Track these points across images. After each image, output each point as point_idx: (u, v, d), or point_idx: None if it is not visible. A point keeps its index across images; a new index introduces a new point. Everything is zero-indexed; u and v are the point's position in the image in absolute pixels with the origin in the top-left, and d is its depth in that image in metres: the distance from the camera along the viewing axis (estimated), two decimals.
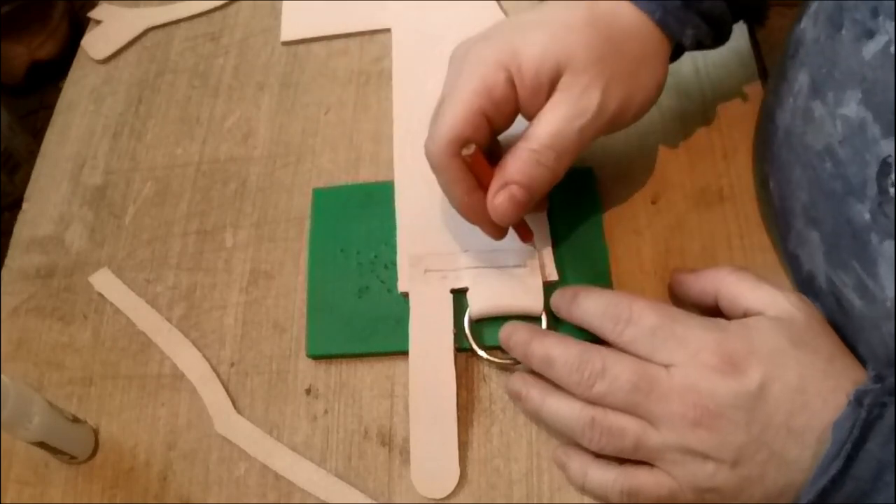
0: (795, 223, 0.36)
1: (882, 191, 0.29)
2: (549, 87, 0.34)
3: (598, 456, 0.34)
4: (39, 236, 0.48)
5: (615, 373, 0.32)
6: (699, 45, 0.38)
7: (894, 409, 0.28)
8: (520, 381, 0.36)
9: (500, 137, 0.38)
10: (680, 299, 0.38)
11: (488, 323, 0.39)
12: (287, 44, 0.52)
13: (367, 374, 0.40)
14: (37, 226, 0.48)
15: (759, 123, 0.43)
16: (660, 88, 0.37)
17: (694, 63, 0.47)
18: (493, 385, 0.39)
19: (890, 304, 0.30)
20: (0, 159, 0.53)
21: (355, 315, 0.41)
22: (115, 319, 0.44)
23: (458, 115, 0.34)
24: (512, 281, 0.39)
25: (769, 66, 0.46)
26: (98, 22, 0.57)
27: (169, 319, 0.43)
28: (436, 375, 0.38)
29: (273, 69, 0.52)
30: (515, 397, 0.37)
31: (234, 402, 0.40)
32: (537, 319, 0.39)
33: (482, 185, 0.36)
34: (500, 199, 0.34)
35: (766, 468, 0.30)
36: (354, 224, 0.43)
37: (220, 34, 0.54)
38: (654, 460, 0.32)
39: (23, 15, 0.58)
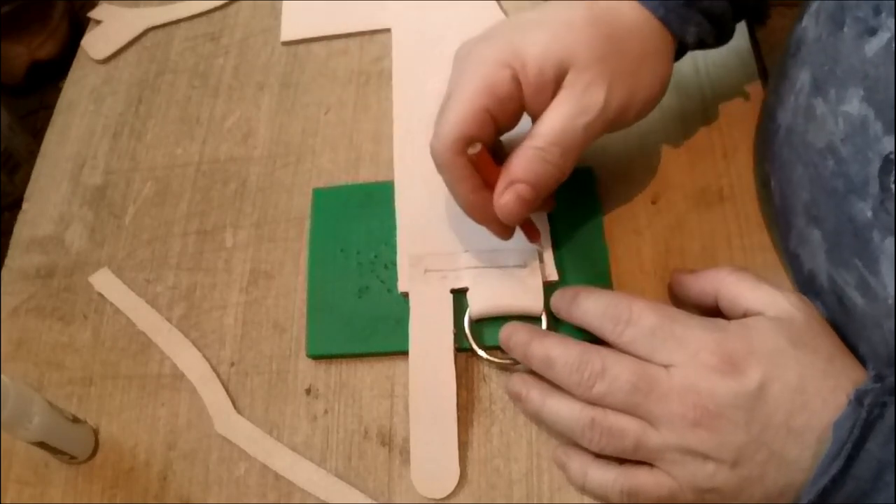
0: (797, 222, 0.36)
1: (884, 188, 0.29)
2: (554, 84, 0.34)
3: (599, 456, 0.34)
4: (39, 236, 0.48)
5: (615, 373, 0.32)
6: (701, 44, 0.38)
7: (894, 408, 0.28)
8: (520, 382, 0.36)
9: (503, 139, 0.38)
10: (680, 300, 0.38)
11: (488, 323, 0.39)
12: (287, 44, 0.52)
13: (367, 374, 0.40)
14: (37, 226, 0.48)
15: (759, 123, 0.43)
16: (664, 86, 0.37)
17: (694, 63, 0.47)
18: (493, 385, 0.39)
19: (891, 301, 0.30)
20: (0, 159, 0.53)
21: (355, 315, 0.41)
22: (115, 319, 0.44)
23: (463, 113, 0.34)
24: (512, 281, 0.39)
25: (769, 65, 0.46)
26: (98, 22, 0.57)
27: (169, 319, 0.43)
28: (436, 375, 0.38)
29: (273, 69, 0.52)
30: (515, 398, 0.37)
31: (234, 402, 0.40)
32: (537, 320, 0.39)
33: (488, 185, 0.36)
34: (506, 197, 0.34)
35: (766, 468, 0.30)
36: (354, 224, 0.43)
37: (220, 34, 0.54)
38: (654, 460, 0.32)
39: (23, 15, 0.58)
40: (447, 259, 0.41)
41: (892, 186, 0.29)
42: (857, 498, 0.28)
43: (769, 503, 0.30)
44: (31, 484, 0.40)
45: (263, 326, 0.42)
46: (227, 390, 0.41)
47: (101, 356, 0.43)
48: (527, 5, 0.51)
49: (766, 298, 0.33)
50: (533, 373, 0.36)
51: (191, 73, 0.53)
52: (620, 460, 0.33)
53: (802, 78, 0.35)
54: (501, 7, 0.50)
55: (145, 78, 0.53)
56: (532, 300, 0.39)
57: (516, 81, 0.34)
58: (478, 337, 0.39)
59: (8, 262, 0.47)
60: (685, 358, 0.32)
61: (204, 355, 0.42)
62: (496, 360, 0.38)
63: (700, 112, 0.45)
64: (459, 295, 0.40)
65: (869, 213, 0.30)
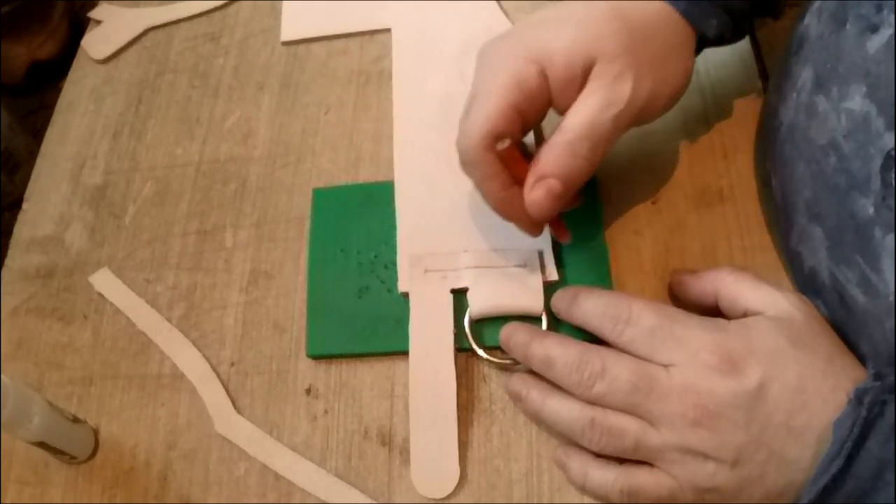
0: (798, 220, 0.36)
1: (886, 184, 0.29)
2: (582, 77, 0.34)
3: (599, 456, 0.34)
4: (39, 236, 0.48)
5: (615, 373, 0.32)
6: (720, 39, 0.38)
7: (894, 407, 0.28)
8: (520, 382, 0.36)
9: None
10: (680, 300, 0.38)
11: (488, 323, 0.39)
12: (287, 44, 0.52)
13: (367, 374, 0.40)
14: (37, 226, 0.48)
15: (761, 121, 0.43)
16: (687, 79, 0.37)
17: (694, 63, 0.46)
18: (493, 385, 0.39)
19: (892, 299, 0.30)
20: (0, 159, 0.53)
21: (355, 315, 0.41)
22: (115, 319, 0.44)
23: (491, 109, 0.34)
24: (512, 281, 0.39)
25: (769, 65, 0.46)
26: (98, 22, 0.57)
27: (169, 319, 0.43)
28: (436, 375, 0.38)
29: (273, 69, 0.52)
30: (516, 398, 0.37)
31: (234, 402, 0.40)
32: (537, 320, 0.38)
33: (516, 181, 0.36)
34: (537, 192, 0.34)
35: (765, 468, 0.30)
36: (354, 224, 0.43)
37: (220, 34, 0.54)
38: (655, 460, 0.32)
39: (23, 15, 0.58)
40: (447, 259, 0.41)
41: (894, 182, 0.29)
42: (858, 497, 0.28)
43: (769, 503, 0.30)
44: (31, 484, 0.40)
45: (263, 326, 0.42)
46: (227, 390, 0.41)
47: (101, 356, 0.43)
48: (527, 5, 0.51)
49: (765, 298, 0.33)
50: (533, 373, 0.36)
51: (191, 73, 0.53)
52: (620, 460, 0.33)
53: (804, 75, 0.35)
54: (501, 7, 0.50)
55: (145, 78, 0.53)
56: (532, 300, 0.39)
57: (543, 76, 0.34)
58: (478, 337, 0.39)
59: (8, 262, 0.47)
60: (685, 357, 0.32)
61: (204, 355, 0.42)
62: (496, 360, 0.38)
63: (700, 112, 0.45)
64: (459, 295, 0.40)
65: (871, 210, 0.30)
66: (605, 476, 0.33)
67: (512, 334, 0.37)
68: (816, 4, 0.36)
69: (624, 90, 0.33)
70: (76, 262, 0.46)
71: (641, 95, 0.34)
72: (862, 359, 0.32)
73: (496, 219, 0.42)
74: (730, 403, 0.30)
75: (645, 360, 0.33)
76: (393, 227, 0.43)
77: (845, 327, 0.33)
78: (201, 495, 0.38)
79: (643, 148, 0.44)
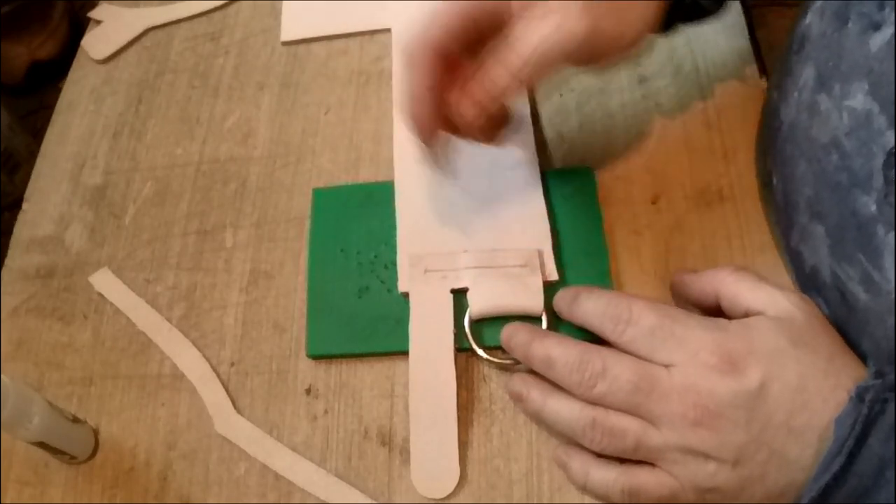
0: (799, 218, 0.36)
1: (888, 181, 0.29)
2: (542, 7, 0.35)
3: (600, 455, 0.34)
4: (39, 236, 0.48)
5: (615, 373, 0.32)
6: (696, 8, 0.38)
7: (895, 405, 0.28)
8: (520, 382, 0.36)
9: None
10: (681, 299, 0.38)
11: (488, 323, 0.39)
12: (287, 44, 0.52)
13: (367, 374, 0.40)
14: (37, 226, 0.48)
15: (762, 121, 0.43)
16: (649, 28, 0.37)
17: (694, 63, 0.47)
18: (493, 385, 0.39)
19: (894, 296, 0.30)
20: (0, 159, 0.53)
21: (355, 315, 0.41)
22: (115, 319, 0.44)
23: (452, 18, 0.36)
24: (512, 281, 0.39)
25: (769, 65, 0.46)
26: (98, 22, 0.57)
27: (169, 319, 0.43)
28: (436, 375, 0.38)
29: (273, 69, 0.52)
30: (516, 398, 0.37)
31: (234, 402, 0.40)
32: (537, 319, 0.39)
33: (448, 87, 0.37)
34: (468, 102, 0.36)
35: (766, 468, 0.30)
36: (354, 224, 0.43)
37: (220, 34, 0.54)
38: (656, 460, 0.32)
39: (23, 15, 0.58)
40: (447, 259, 0.41)
41: None
42: (859, 495, 0.28)
43: (770, 502, 0.30)
44: (31, 484, 0.40)
45: (263, 326, 0.42)
46: (227, 390, 0.41)
47: (101, 356, 0.43)
48: None
49: (766, 298, 0.33)
50: (534, 373, 0.36)
51: (191, 73, 0.53)
52: (621, 459, 0.33)
53: (806, 74, 0.35)
54: None
55: (145, 78, 0.53)
56: (532, 300, 0.39)
57: None
58: (478, 337, 0.39)
59: (8, 262, 0.47)
60: (685, 357, 0.32)
61: (204, 355, 0.42)
62: (496, 360, 0.38)
63: (700, 112, 0.45)
64: (459, 295, 0.40)
65: (873, 207, 0.30)
66: (605, 476, 0.33)
67: (513, 334, 0.37)
68: (818, 3, 0.36)
69: (578, 27, 0.34)
70: (76, 262, 0.46)
71: (594, 36, 0.34)
72: (863, 357, 0.32)
73: (496, 219, 0.42)
74: (730, 403, 0.30)
75: (645, 359, 0.33)
76: (393, 227, 0.43)
77: (846, 325, 0.33)
78: (201, 495, 0.38)
79: (643, 148, 0.44)
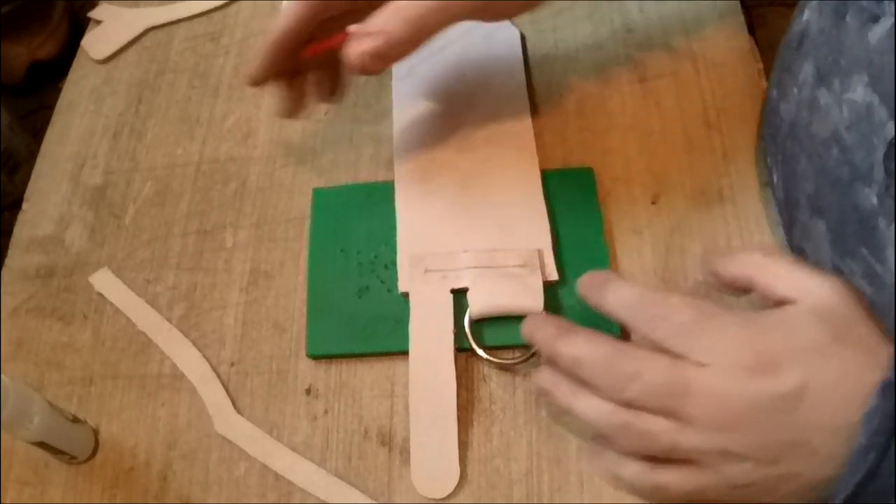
0: (800, 215, 0.36)
1: (889, 174, 0.29)
2: None
3: None
4: (39, 236, 0.48)
5: (648, 377, 0.31)
6: None
7: None
8: (548, 378, 0.35)
9: None
10: (711, 283, 0.35)
11: (488, 323, 0.39)
12: None
13: (367, 374, 0.40)
14: (37, 226, 0.48)
15: (762, 120, 0.43)
16: (531, 4, 0.39)
17: (694, 63, 0.47)
18: (493, 385, 0.39)
19: None
20: (0, 159, 0.53)
21: (355, 315, 0.41)
22: (115, 319, 0.44)
23: None
24: (512, 281, 0.39)
25: (769, 65, 0.46)
26: (98, 22, 0.57)
27: (169, 319, 0.43)
28: (436, 375, 0.38)
29: None
30: (542, 393, 0.36)
31: (234, 402, 0.40)
32: None
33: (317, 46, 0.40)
34: (357, 51, 0.37)
35: (803, 465, 0.29)
36: (354, 224, 0.43)
37: (220, 34, 0.54)
38: (688, 460, 0.31)
39: (23, 15, 0.58)
40: (447, 259, 0.41)
41: None
42: (889, 491, 0.27)
43: (799, 498, 0.30)
44: (31, 484, 0.40)
45: (263, 326, 0.42)
46: (227, 390, 0.41)
47: (101, 356, 0.43)
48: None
49: (802, 284, 0.31)
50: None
51: (191, 73, 0.53)
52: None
53: (806, 70, 0.35)
54: None
55: (145, 78, 0.53)
56: (532, 300, 0.39)
57: None
58: (478, 337, 0.39)
59: (8, 262, 0.47)
60: (721, 358, 0.30)
61: (204, 355, 0.42)
62: (496, 360, 0.38)
63: (700, 112, 0.45)
64: (459, 295, 0.40)
65: (874, 200, 0.30)
66: (633, 471, 0.32)
67: (536, 329, 0.35)
68: (815, 2, 0.36)
69: None
70: (76, 262, 0.46)
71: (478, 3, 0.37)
72: None
73: (496, 219, 0.42)
74: (768, 406, 0.29)
75: (678, 357, 0.31)
76: (393, 227, 0.43)
77: None
78: (201, 495, 0.38)
79: (643, 148, 0.44)
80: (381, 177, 0.46)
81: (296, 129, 0.49)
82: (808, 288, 0.31)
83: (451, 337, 0.39)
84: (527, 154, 0.44)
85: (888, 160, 0.29)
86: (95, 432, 0.41)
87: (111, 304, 0.44)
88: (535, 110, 0.46)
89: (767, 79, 0.45)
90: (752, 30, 0.47)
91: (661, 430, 0.31)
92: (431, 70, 0.48)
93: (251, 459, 0.39)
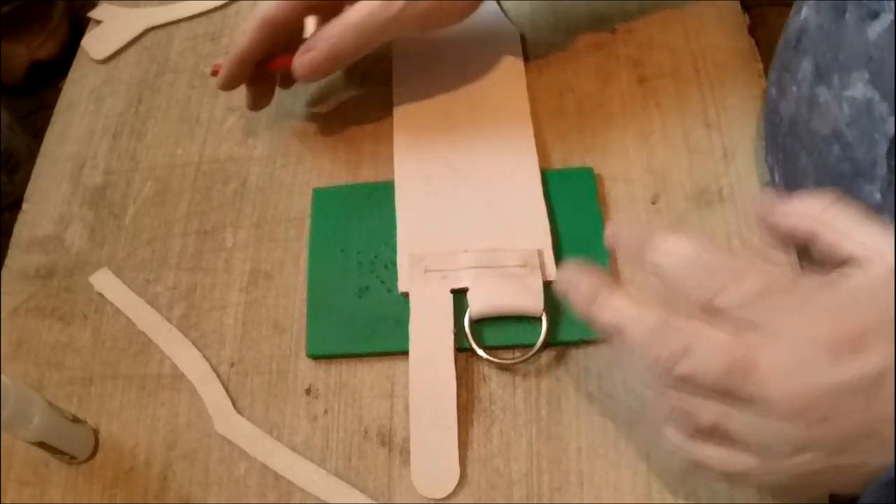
0: None
1: (892, 170, 0.29)
2: None
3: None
4: (39, 236, 0.48)
5: (702, 355, 0.27)
6: None
7: None
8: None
9: None
10: (764, 233, 0.31)
11: (488, 323, 0.39)
12: None
13: (367, 374, 0.40)
14: (37, 226, 0.48)
15: (763, 119, 0.43)
16: (464, 14, 0.43)
17: (694, 63, 0.47)
18: (493, 385, 0.39)
19: None
20: (0, 159, 0.53)
21: (355, 315, 0.41)
22: (115, 319, 0.44)
23: (285, 4, 0.42)
24: (512, 281, 0.39)
25: (769, 64, 0.46)
26: (98, 22, 0.57)
27: (169, 319, 0.43)
28: (436, 375, 0.38)
29: None
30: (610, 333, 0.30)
31: (234, 402, 0.40)
32: (537, 320, 0.39)
33: (273, 59, 0.44)
34: (304, 59, 0.42)
35: (869, 456, 0.26)
36: (354, 224, 0.43)
37: (220, 34, 0.54)
38: (737, 443, 0.28)
39: (23, 15, 0.58)
40: (447, 259, 0.41)
41: None
42: None
43: (857, 486, 0.27)
44: (31, 484, 0.40)
45: (263, 326, 0.42)
46: (227, 390, 0.41)
47: (101, 356, 0.43)
48: (527, 5, 0.51)
49: (874, 243, 0.27)
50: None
51: (191, 73, 0.53)
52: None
53: (804, 68, 0.35)
54: (501, 6, 0.50)
55: (145, 78, 0.53)
56: (532, 300, 0.39)
57: None
58: (478, 337, 0.39)
59: (8, 262, 0.47)
60: (793, 334, 0.26)
61: (204, 355, 0.42)
62: (496, 360, 0.38)
63: (700, 112, 0.45)
64: (459, 295, 0.40)
65: (878, 196, 0.30)
66: (673, 439, 0.30)
67: (573, 282, 0.31)
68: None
69: (394, 7, 0.40)
70: (76, 262, 0.46)
71: (411, 16, 0.41)
72: None
73: (496, 219, 0.42)
74: (847, 391, 0.25)
75: (738, 331, 0.27)
76: (393, 227, 0.43)
77: None
78: (201, 495, 0.38)
79: (643, 148, 0.44)
80: (381, 177, 0.46)
81: (296, 129, 0.49)
82: (881, 248, 0.27)
83: (451, 337, 0.39)
84: (527, 154, 0.44)
85: (890, 156, 0.29)
86: (95, 432, 0.41)
87: (111, 304, 0.44)
88: (535, 110, 0.46)
89: (767, 78, 0.45)
90: (752, 30, 0.47)
91: (709, 417, 0.28)
92: (431, 70, 0.48)
93: (251, 459, 0.39)
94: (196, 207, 0.47)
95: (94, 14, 0.57)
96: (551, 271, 0.40)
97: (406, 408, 0.38)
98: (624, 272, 0.40)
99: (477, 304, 0.39)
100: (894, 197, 0.29)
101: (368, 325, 0.40)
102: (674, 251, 0.29)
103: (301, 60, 0.42)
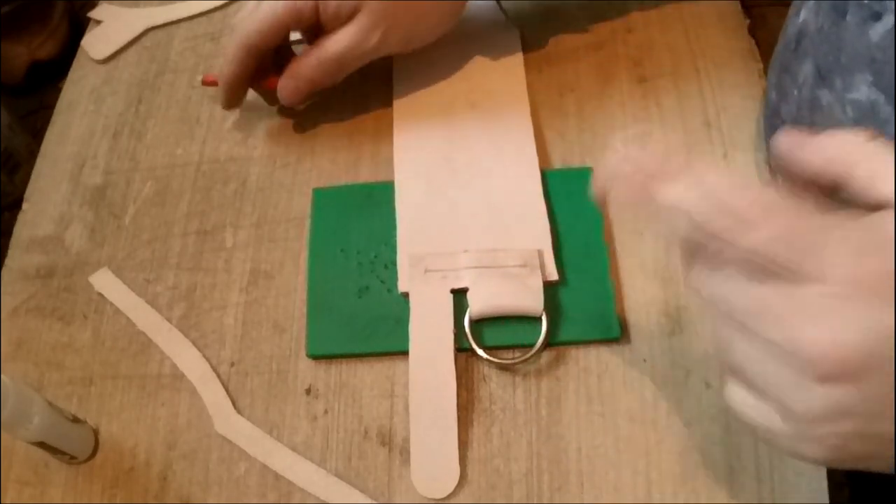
0: None
1: None
2: (346, 18, 0.43)
3: None
4: (39, 236, 0.48)
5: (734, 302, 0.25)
6: None
7: None
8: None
9: None
10: (787, 170, 0.28)
11: (488, 323, 0.39)
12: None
13: (367, 374, 0.40)
14: (37, 226, 0.48)
15: (763, 122, 0.43)
16: (441, 32, 0.46)
17: (694, 63, 0.47)
18: (493, 385, 0.39)
19: None
20: (0, 159, 0.53)
21: (355, 315, 0.41)
22: (115, 319, 0.44)
23: (267, 26, 0.43)
24: (512, 281, 0.39)
25: (769, 64, 0.46)
26: (98, 22, 0.57)
27: (169, 319, 0.43)
28: (436, 375, 0.38)
29: None
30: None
31: (234, 402, 0.40)
32: (537, 320, 0.39)
33: (261, 78, 0.46)
34: (289, 85, 0.45)
35: None
36: (354, 224, 0.43)
37: (220, 34, 0.54)
38: (766, 395, 0.25)
39: (23, 15, 0.58)
40: (447, 259, 0.41)
41: None
42: None
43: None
44: (31, 484, 0.40)
45: (263, 326, 0.42)
46: (227, 390, 0.41)
47: (101, 356, 0.43)
48: (527, 5, 0.51)
49: None
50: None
51: (191, 73, 0.53)
52: None
53: (805, 71, 0.35)
54: (501, 7, 0.50)
55: (145, 78, 0.53)
56: (532, 300, 0.39)
57: (316, 10, 0.43)
58: (478, 337, 0.39)
59: (8, 262, 0.47)
60: (840, 273, 0.23)
61: (204, 355, 0.42)
62: (496, 360, 0.38)
63: (700, 112, 0.45)
64: (459, 295, 0.40)
65: None
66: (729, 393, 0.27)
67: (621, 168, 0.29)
68: (811, 1, 0.36)
69: (373, 39, 0.43)
70: (76, 262, 0.46)
71: (388, 44, 0.44)
72: None
73: (496, 219, 0.42)
74: (884, 343, 0.22)
75: (775, 276, 0.24)
76: (393, 227, 0.43)
77: None
78: (201, 495, 0.38)
79: (643, 148, 0.44)
80: (381, 177, 0.46)
81: (296, 129, 0.49)
82: None
83: (451, 337, 0.39)
84: (527, 154, 0.44)
85: None
86: (95, 432, 0.41)
87: (111, 304, 0.44)
88: (535, 110, 0.46)
89: (766, 81, 0.45)
90: (752, 30, 0.47)
91: (739, 352, 0.25)
92: (431, 70, 0.48)
93: (251, 459, 0.39)
94: (196, 207, 0.47)
95: (94, 14, 0.57)
96: (551, 271, 0.40)
97: (406, 408, 0.38)
98: (623, 275, 0.40)
99: (477, 304, 0.39)
100: None
101: (368, 325, 0.40)
102: (695, 185, 0.26)
103: (286, 88, 0.45)
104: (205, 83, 0.49)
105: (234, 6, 0.55)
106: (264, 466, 0.38)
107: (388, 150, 0.46)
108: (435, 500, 0.36)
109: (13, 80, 0.60)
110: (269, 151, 0.48)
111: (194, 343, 0.42)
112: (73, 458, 0.39)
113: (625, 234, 0.42)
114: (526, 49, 0.49)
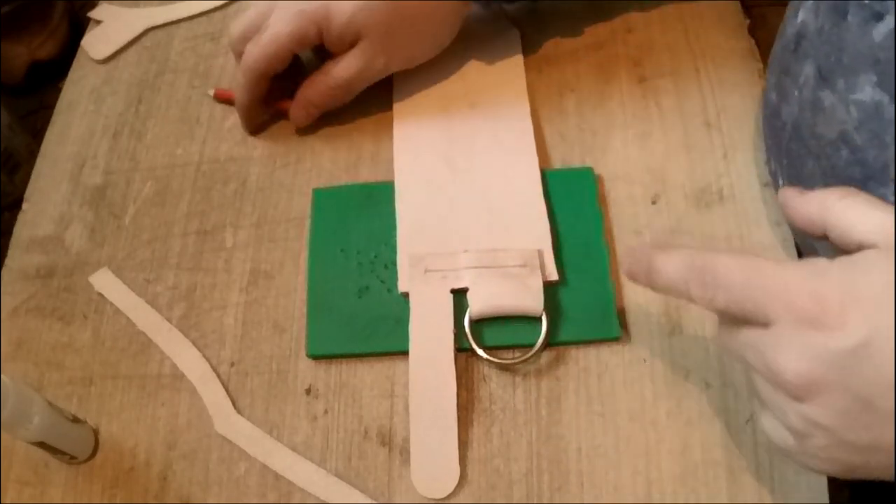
0: None
1: None
2: (350, 45, 0.44)
3: None
4: (39, 236, 0.48)
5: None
6: None
7: None
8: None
9: None
10: (789, 221, 0.32)
11: (488, 323, 0.39)
12: None
13: (367, 374, 0.40)
14: (37, 226, 0.48)
15: (762, 123, 0.43)
16: (443, 46, 0.47)
17: (694, 63, 0.47)
18: (493, 385, 0.39)
19: None
20: (0, 159, 0.53)
21: (355, 315, 0.41)
22: (115, 319, 0.44)
23: (274, 52, 0.44)
24: (512, 281, 0.39)
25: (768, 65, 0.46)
26: (98, 22, 0.57)
27: (169, 319, 0.43)
28: (436, 375, 0.38)
29: None
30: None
31: (234, 402, 0.40)
32: (537, 320, 0.39)
33: (271, 98, 0.48)
34: (301, 113, 0.47)
35: (878, 431, 0.26)
36: (354, 224, 0.44)
37: (220, 34, 0.54)
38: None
39: (23, 15, 0.58)
40: (447, 259, 0.41)
41: None
42: None
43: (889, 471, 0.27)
44: (31, 484, 0.40)
45: (263, 326, 0.42)
46: (227, 390, 0.41)
47: (101, 356, 0.43)
48: (526, 4, 0.51)
49: (879, 225, 0.28)
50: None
51: (191, 73, 0.53)
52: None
53: (806, 72, 0.35)
54: (501, 7, 0.50)
55: (145, 78, 0.53)
56: (532, 300, 0.39)
57: (320, 35, 0.44)
58: (478, 337, 0.39)
59: (8, 262, 0.47)
60: (780, 315, 0.28)
61: (204, 355, 0.42)
62: (496, 360, 0.38)
63: (700, 112, 0.45)
64: (459, 295, 0.40)
65: (890, 199, 0.30)
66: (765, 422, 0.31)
67: (631, 264, 0.33)
68: (810, 2, 0.36)
69: (378, 63, 0.45)
70: (76, 262, 0.46)
71: (392, 66, 0.46)
72: None
73: (496, 219, 0.42)
74: (831, 364, 0.26)
75: (743, 322, 0.29)
76: (393, 227, 0.43)
77: None
78: (201, 495, 0.38)
79: (643, 148, 0.44)
80: (381, 177, 0.46)
81: (296, 129, 0.49)
82: (885, 229, 0.28)
83: (451, 337, 0.39)
84: (527, 154, 0.44)
85: None
86: (95, 432, 0.41)
87: (111, 304, 0.44)
88: (535, 110, 0.46)
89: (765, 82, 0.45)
90: (752, 30, 0.47)
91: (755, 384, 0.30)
92: (431, 70, 0.48)
93: (251, 459, 0.39)
94: (196, 207, 0.47)
95: (94, 14, 0.57)
96: (551, 271, 0.40)
97: (406, 408, 0.38)
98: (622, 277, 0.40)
99: (477, 304, 0.39)
100: None
101: (368, 325, 0.40)
102: (669, 265, 0.32)
103: (298, 116, 0.47)
104: (217, 98, 0.50)
105: (234, 6, 0.55)
106: (264, 466, 0.38)
107: (388, 150, 0.46)
108: (435, 500, 0.36)
109: (13, 80, 0.60)
110: (269, 151, 0.48)
111: (194, 343, 0.42)
112: (73, 458, 0.39)
113: (625, 234, 0.42)
114: (526, 49, 0.49)
